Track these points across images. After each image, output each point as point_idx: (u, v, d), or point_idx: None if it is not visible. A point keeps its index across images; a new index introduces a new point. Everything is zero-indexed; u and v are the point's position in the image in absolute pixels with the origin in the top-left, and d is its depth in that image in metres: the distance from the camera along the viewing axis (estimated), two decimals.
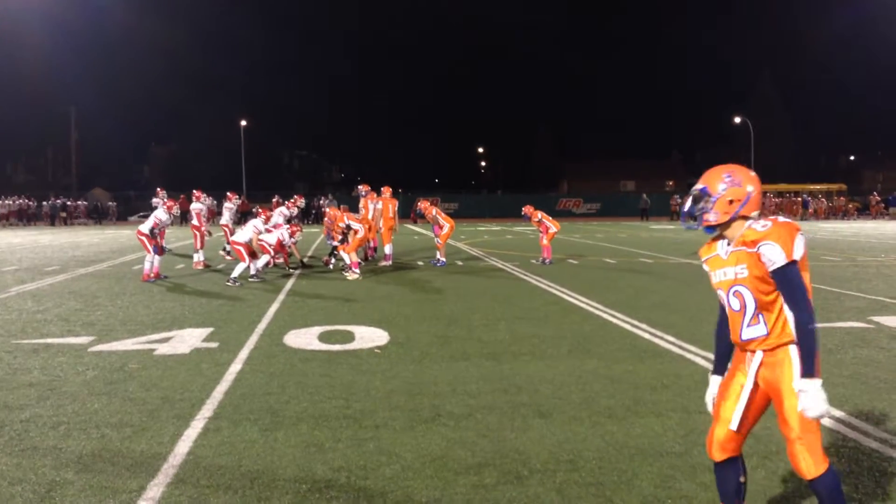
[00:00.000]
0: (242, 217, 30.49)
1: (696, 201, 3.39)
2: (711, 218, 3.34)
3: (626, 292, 12.78)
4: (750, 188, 3.29)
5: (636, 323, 9.59)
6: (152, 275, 14.72)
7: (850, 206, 57.66)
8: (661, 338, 8.63)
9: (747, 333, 3.29)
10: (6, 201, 50.28)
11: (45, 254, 22.23)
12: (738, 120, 68.01)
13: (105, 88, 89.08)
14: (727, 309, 3.39)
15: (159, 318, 10.19)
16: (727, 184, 3.31)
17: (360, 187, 19.39)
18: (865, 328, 9.14)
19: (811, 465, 3.17)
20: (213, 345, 8.36)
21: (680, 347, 8.09)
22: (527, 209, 19.01)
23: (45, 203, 52.38)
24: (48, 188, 64.72)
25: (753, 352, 3.30)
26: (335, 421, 5.56)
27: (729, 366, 3.47)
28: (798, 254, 3.16)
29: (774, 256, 3.15)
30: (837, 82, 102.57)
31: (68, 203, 52.68)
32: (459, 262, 18.47)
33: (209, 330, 9.25)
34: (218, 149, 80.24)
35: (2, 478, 4.46)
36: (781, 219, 3.25)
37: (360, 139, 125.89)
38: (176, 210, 16.10)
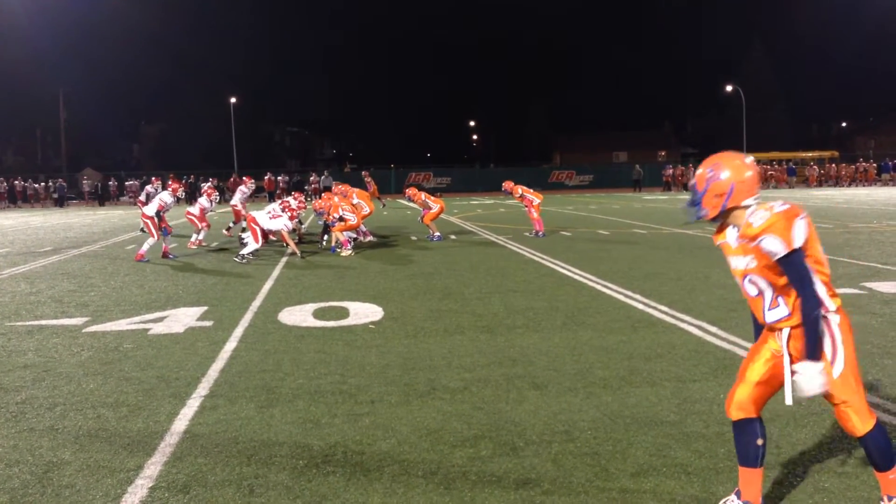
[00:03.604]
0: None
1: (691, 196, 3.48)
2: (703, 213, 3.43)
3: (620, 263, 12.80)
4: (732, 178, 3.33)
5: (630, 294, 9.61)
6: (148, 256, 14.70)
7: (843, 172, 57.64)
8: (655, 308, 8.65)
9: (770, 316, 3.36)
10: None
11: (38, 235, 22.14)
12: (729, 88, 67.80)
13: (93, 69, 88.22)
14: (745, 294, 3.45)
15: (153, 298, 10.17)
16: (709, 179, 3.38)
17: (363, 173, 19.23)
18: (858, 294, 9.18)
19: (858, 424, 3.31)
20: (208, 323, 8.35)
21: (673, 317, 8.12)
22: (506, 185, 19.02)
23: (36, 185, 51.99)
24: (38, 170, 64.25)
25: (781, 329, 3.36)
26: (331, 396, 5.58)
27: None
28: (798, 241, 3.19)
29: (775, 248, 3.20)
30: (828, 49, 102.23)
31: (126, 182, 51.89)
32: (453, 237, 18.47)
33: (203, 309, 9.24)
34: (208, 127, 79.70)
35: None
36: (779, 206, 3.26)
37: (350, 115, 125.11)
38: (181, 192, 16.06)
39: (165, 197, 15.20)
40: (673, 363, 6.30)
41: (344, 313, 8.77)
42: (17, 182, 51.59)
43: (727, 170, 3.34)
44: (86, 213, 36.99)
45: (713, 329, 7.47)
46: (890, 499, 3.42)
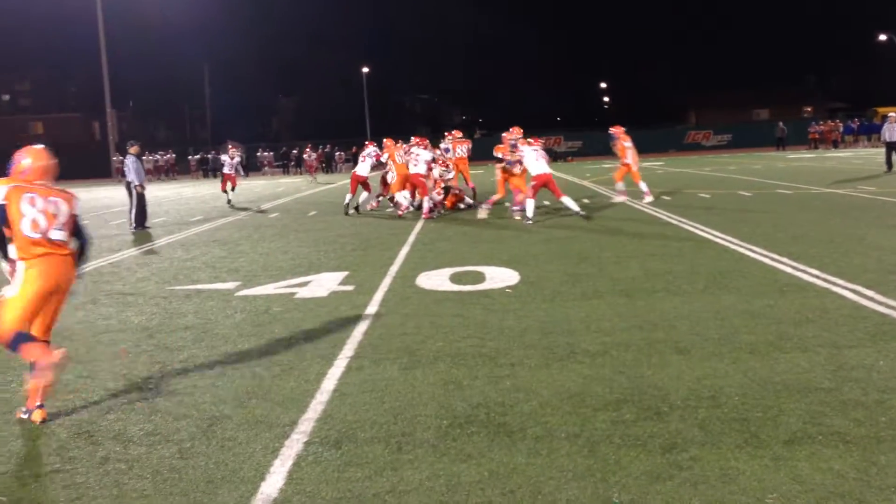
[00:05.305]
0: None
1: None
2: None
3: (764, 225, 12.27)
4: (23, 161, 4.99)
5: (775, 256, 9.21)
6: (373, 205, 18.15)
7: None
8: (804, 271, 8.25)
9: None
10: (153, 157, 52.68)
11: (189, 205, 23.51)
12: (883, 37, 62.89)
13: (233, 45, 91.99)
14: None
15: (297, 264, 10.61)
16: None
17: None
18: None
19: None
20: (349, 288, 8.64)
21: (825, 280, 7.72)
22: (515, 142, 15.55)
23: (193, 157, 54.75)
24: (187, 143, 67.92)
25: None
26: (471, 359, 5.66)
27: None
28: None
29: None
30: None
31: (293, 152, 53.10)
32: (586, 200, 18.19)
33: (344, 274, 9.56)
34: (341, 97, 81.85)
35: (167, 413, 4.81)
36: None
37: (479, 81, 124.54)
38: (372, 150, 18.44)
39: (373, 152, 18.03)
40: (826, 328, 6.01)
41: (480, 277, 8.85)
42: (170, 156, 54.53)
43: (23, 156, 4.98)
44: None
45: (869, 293, 7.05)
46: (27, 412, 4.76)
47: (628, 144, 17.67)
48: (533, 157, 14.49)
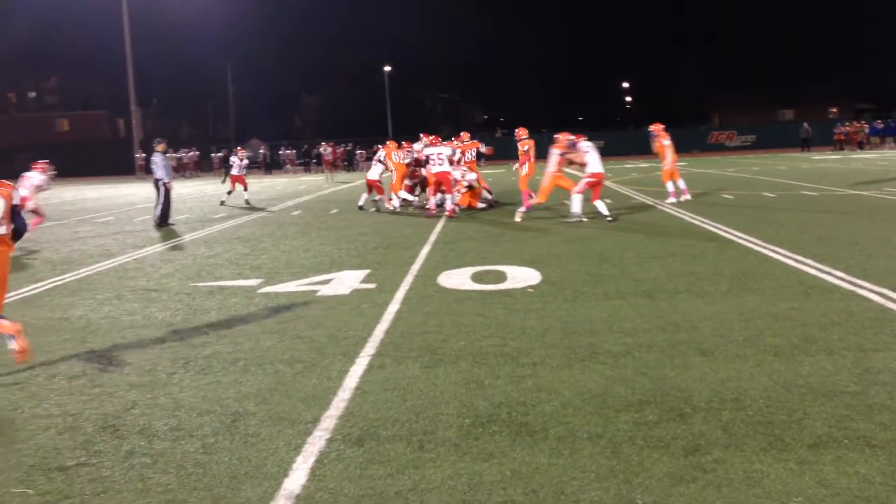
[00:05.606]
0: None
1: None
2: None
3: (788, 227, 12.15)
4: None
5: (800, 258, 9.12)
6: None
7: None
8: (830, 273, 8.17)
9: None
10: (177, 154, 52.91)
11: (212, 203, 23.67)
12: None
13: (257, 43, 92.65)
14: None
15: (319, 261, 10.65)
16: None
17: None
18: None
19: None
20: (371, 286, 8.66)
21: (851, 283, 7.64)
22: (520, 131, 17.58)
23: (213, 155, 54.97)
24: (210, 141, 68.34)
25: None
26: (493, 358, 5.66)
27: None
28: None
29: None
30: None
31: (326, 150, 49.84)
32: (608, 200, 18.08)
33: (366, 272, 9.58)
34: (364, 96, 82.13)
35: (191, 409, 4.85)
36: None
37: (501, 80, 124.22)
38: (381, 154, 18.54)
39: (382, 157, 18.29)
40: (852, 331, 5.94)
41: (502, 277, 8.85)
42: (193, 153, 54.87)
43: None
44: (253, 181, 39.04)
45: None
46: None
47: (667, 143, 17.52)
48: (595, 156, 14.53)
